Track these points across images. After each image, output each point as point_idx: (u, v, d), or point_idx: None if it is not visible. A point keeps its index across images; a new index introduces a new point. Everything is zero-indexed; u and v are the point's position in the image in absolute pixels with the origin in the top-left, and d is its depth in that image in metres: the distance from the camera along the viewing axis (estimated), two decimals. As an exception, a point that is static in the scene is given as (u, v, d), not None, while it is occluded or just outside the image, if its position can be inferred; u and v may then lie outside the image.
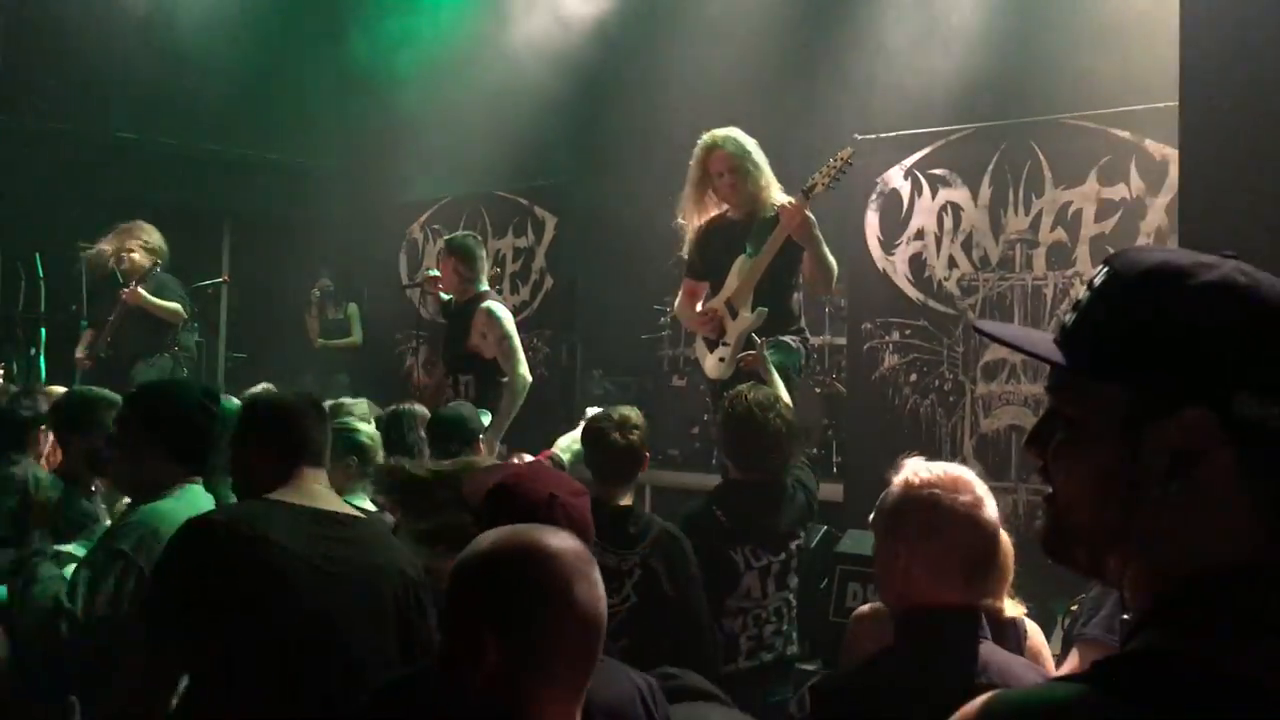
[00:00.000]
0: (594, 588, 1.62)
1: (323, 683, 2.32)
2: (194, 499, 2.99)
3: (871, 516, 2.15)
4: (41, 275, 7.98)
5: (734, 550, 3.65)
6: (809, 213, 4.91)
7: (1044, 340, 1.11)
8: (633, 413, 3.70)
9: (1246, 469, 0.98)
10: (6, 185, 7.37)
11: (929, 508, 2.03)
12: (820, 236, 4.99)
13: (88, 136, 8.98)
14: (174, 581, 2.35)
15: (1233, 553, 0.98)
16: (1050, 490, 1.09)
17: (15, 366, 7.57)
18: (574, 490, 2.17)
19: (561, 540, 1.64)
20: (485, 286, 5.87)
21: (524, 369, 5.58)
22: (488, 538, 1.66)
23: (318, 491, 2.56)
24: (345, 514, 2.56)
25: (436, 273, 6.09)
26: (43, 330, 7.88)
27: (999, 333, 1.18)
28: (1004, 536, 2.52)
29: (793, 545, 3.77)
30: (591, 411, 5.03)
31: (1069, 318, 1.09)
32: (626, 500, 3.60)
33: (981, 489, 2.09)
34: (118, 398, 3.77)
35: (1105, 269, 1.08)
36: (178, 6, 8.76)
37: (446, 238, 6.30)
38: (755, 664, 3.66)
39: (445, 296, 6.04)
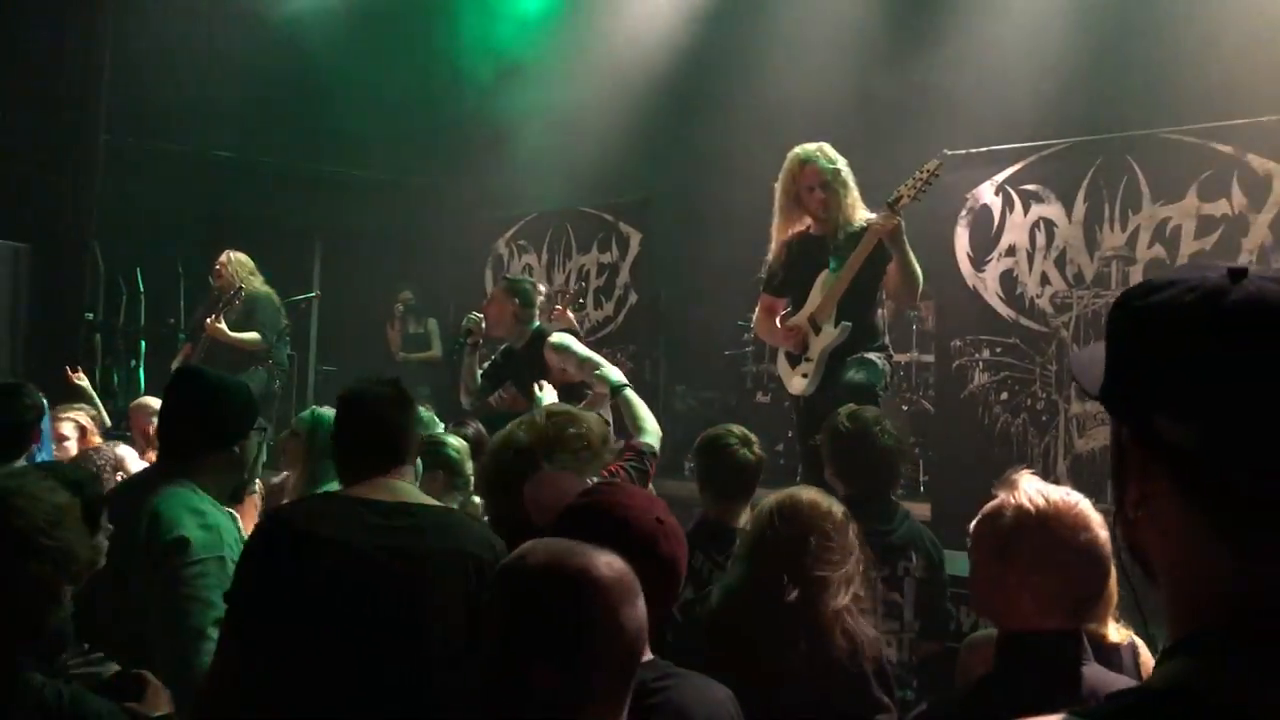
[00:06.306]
0: (638, 611, 1.65)
1: (377, 666, 2.35)
2: None
3: (973, 525, 2.08)
4: (142, 289, 8.22)
5: None
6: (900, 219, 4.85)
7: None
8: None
9: (1189, 494, 0.91)
10: (110, 202, 7.61)
11: (1046, 540, 1.95)
12: (908, 245, 4.93)
13: (187, 155, 9.26)
14: (238, 571, 2.52)
15: (1211, 583, 0.91)
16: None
17: (116, 378, 7.80)
18: (660, 508, 2.10)
19: (610, 564, 1.65)
20: (537, 323, 5.75)
21: (615, 373, 5.28)
22: (537, 558, 1.65)
23: (394, 486, 2.58)
24: (413, 504, 2.57)
25: (479, 316, 5.90)
26: (143, 342, 8.11)
27: (1074, 358, 1.14)
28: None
29: (902, 565, 3.64)
30: None
31: None
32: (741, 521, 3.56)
33: (1097, 519, 2.01)
34: None
35: None
36: (271, 29, 9.00)
37: (507, 277, 6.21)
38: None
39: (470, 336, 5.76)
